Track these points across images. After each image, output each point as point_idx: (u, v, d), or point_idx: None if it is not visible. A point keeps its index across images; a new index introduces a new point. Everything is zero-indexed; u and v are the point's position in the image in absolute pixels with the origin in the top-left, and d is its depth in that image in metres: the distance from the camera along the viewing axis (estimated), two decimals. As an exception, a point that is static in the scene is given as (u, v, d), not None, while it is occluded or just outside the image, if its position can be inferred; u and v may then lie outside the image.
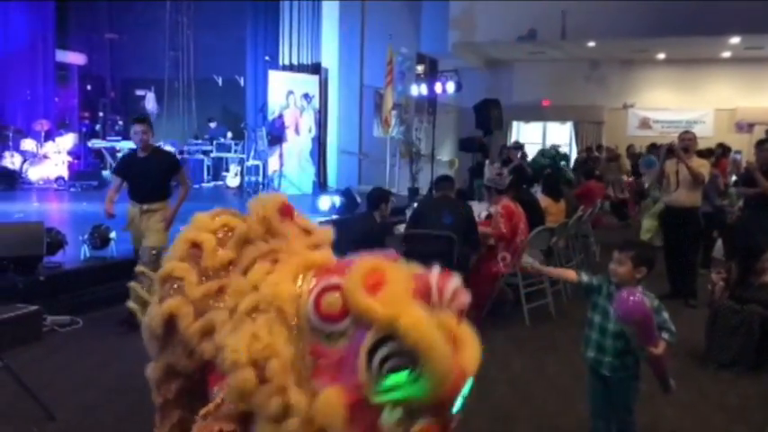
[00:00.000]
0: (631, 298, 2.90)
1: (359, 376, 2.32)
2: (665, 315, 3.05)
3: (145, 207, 5.54)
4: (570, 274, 3.46)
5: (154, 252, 5.32)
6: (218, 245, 2.83)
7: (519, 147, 14.67)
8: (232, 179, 14.04)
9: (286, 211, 2.89)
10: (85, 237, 6.34)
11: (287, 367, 2.46)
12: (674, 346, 3.10)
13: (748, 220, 6.76)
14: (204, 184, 14.34)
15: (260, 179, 12.85)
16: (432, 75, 16.53)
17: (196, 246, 2.85)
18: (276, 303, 2.54)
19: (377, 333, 2.34)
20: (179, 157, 14.14)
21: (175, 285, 2.81)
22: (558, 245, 6.90)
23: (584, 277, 3.30)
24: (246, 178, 13.26)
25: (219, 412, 2.67)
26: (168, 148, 14.07)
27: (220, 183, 14.39)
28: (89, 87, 15.94)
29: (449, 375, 2.26)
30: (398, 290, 2.41)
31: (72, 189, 12.01)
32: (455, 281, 2.45)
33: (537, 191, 8.14)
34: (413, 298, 2.39)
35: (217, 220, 2.91)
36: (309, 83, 13.93)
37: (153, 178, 5.59)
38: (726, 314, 5.04)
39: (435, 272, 2.46)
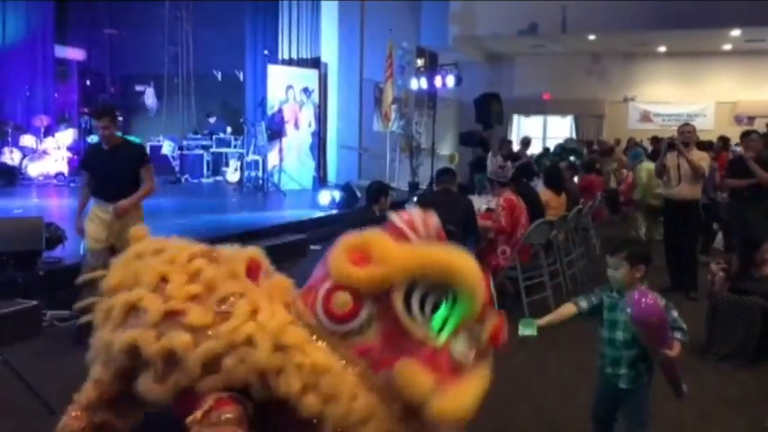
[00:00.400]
0: (644, 299, 2.78)
1: (414, 335, 2.40)
2: (675, 313, 2.93)
3: (111, 206, 5.09)
4: (569, 309, 3.19)
5: None
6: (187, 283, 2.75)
7: (527, 142, 14.64)
8: (232, 174, 14.02)
9: (253, 269, 2.85)
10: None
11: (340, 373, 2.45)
12: (686, 344, 2.95)
13: (746, 212, 6.67)
14: (204, 180, 14.34)
15: (260, 174, 12.84)
16: (432, 69, 16.50)
17: (165, 280, 2.77)
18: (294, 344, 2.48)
19: (400, 289, 2.38)
20: (178, 152, 14.19)
21: (140, 315, 2.70)
22: (558, 238, 6.89)
23: (583, 303, 3.12)
24: (246, 173, 13.25)
25: (210, 418, 2.59)
26: (168, 143, 14.14)
27: (220, 178, 14.38)
28: (88, 83, 15.90)
29: (479, 278, 2.40)
30: (385, 245, 2.46)
31: (72, 185, 11.97)
32: (416, 213, 2.55)
33: (537, 184, 8.12)
34: (400, 245, 2.46)
35: (192, 266, 2.82)
36: (309, 77, 13.90)
37: (120, 173, 5.14)
38: (726, 306, 5.03)
39: (396, 217, 2.56)
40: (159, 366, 2.58)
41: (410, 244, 2.52)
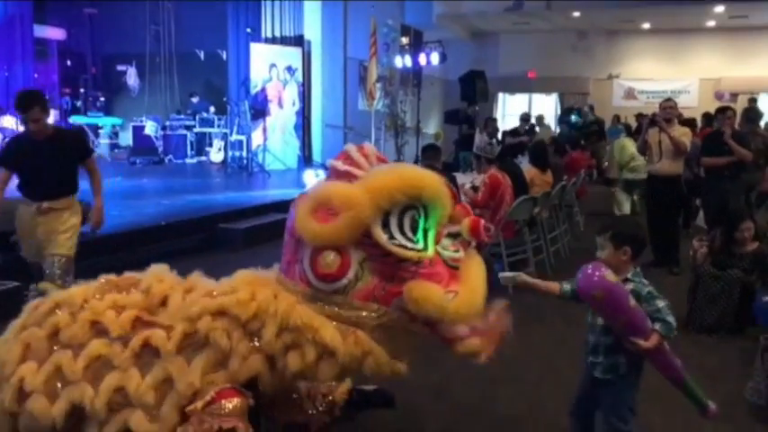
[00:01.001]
0: (595, 273, 2.64)
1: (406, 258, 2.46)
2: (660, 304, 2.71)
3: (45, 205, 4.45)
4: (554, 286, 2.99)
5: (63, 261, 4.44)
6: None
7: (526, 118, 14.65)
8: (216, 154, 13.94)
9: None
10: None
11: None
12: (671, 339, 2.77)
13: (724, 188, 6.78)
14: (188, 160, 14.25)
15: (244, 154, 12.77)
16: (416, 46, 16.39)
17: (98, 323, 2.80)
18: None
19: (376, 224, 2.45)
20: (161, 133, 14.06)
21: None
22: (542, 215, 6.91)
23: (566, 286, 2.91)
24: (230, 153, 13.17)
25: (211, 409, 2.58)
26: (151, 123, 14.00)
27: (204, 158, 14.29)
28: (69, 63, 15.69)
29: (437, 182, 2.47)
30: (342, 192, 2.49)
31: (54, 166, 11.87)
32: (350, 149, 2.63)
33: (522, 161, 8.14)
34: (356, 183, 2.49)
35: (105, 301, 2.89)
36: (292, 55, 13.78)
37: (57, 168, 4.51)
38: (707, 280, 5.10)
39: (334, 162, 2.63)
40: None
41: (361, 180, 2.53)
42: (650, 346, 2.68)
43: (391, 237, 2.45)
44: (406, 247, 2.44)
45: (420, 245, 2.46)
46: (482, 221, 2.61)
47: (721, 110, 7.20)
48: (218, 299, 2.64)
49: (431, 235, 2.48)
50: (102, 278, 3.14)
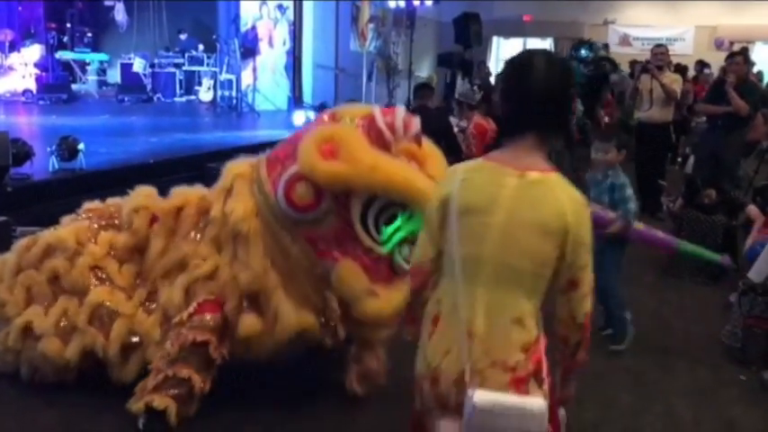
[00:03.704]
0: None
1: (362, 242, 2.58)
2: (628, 192, 3.60)
3: None
4: None
5: None
6: None
7: None
8: (205, 93, 13.75)
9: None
10: (53, 148, 6.23)
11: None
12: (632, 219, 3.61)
13: (718, 141, 6.48)
14: (177, 99, 14.05)
15: (233, 94, 12.61)
16: (410, -14, 16.07)
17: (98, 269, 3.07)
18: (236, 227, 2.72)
19: (360, 199, 2.49)
20: (150, 70, 13.83)
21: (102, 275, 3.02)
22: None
23: None
24: (220, 93, 13.00)
25: (192, 321, 2.75)
26: (139, 60, 13.77)
27: (193, 97, 14.09)
28: (54, -4, 15.30)
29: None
30: (356, 146, 2.52)
31: (41, 102, 11.70)
32: (400, 112, 2.60)
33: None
34: (371, 149, 2.50)
35: (101, 244, 3.11)
36: (283, -7, 13.50)
37: None
38: (692, 223, 5.12)
39: (377, 112, 2.59)
40: None
41: (380, 152, 2.54)
42: (615, 230, 3.53)
43: (364, 216, 2.54)
44: (368, 233, 2.55)
45: (381, 239, 2.56)
46: None
47: (731, 55, 6.87)
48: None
49: (398, 236, 2.57)
50: (84, 208, 3.28)
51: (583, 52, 14.95)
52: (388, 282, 2.62)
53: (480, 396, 1.56)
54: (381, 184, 2.48)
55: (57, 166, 6.16)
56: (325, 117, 2.82)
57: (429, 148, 2.75)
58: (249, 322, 2.74)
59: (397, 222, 2.55)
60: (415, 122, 2.68)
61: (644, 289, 4.87)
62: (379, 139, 2.58)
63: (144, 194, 3.16)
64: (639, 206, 6.82)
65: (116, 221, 3.17)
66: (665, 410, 3.25)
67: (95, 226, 3.18)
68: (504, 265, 1.64)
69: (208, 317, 2.77)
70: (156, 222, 3.05)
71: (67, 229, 3.17)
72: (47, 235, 3.20)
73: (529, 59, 1.70)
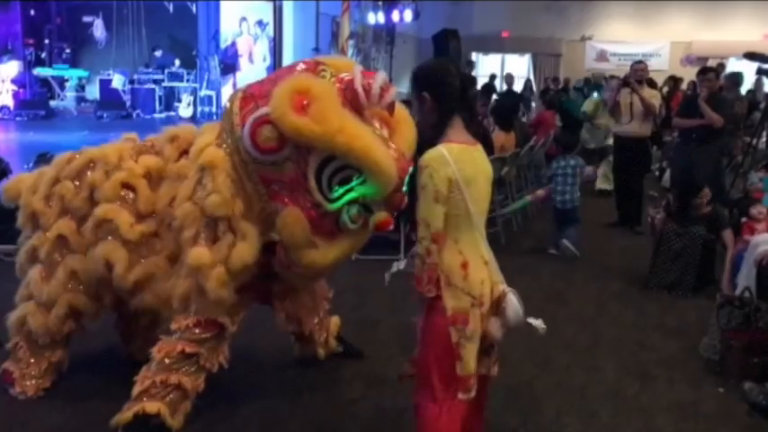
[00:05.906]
0: None
1: (313, 196, 2.64)
2: None
3: None
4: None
5: None
6: None
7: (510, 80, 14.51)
8: (185, 109, 13.72)
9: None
10: (30, 165, 6.16)
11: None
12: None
13: (692, 154, 6.63)
14: (156, 115, 14.00)
15: (213, 110, 12.60)
16: (389, 3, 16.17)
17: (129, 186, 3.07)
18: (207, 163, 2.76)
19: (319, 155, 2.53)
20: (129, 86, 13.77)
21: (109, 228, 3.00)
22: (510, 174, 6.96)
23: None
24: (200, 108, 12.98)
25: (185, 333, 2.73)
26: (118, 76, 13.72)
27: (173, 113, 14.05)
28: (33, 13, 15.21)
29: (393, 173, 2.58)
30: (328, 105, 2.56)
31: (18, 119, 11.61)
32: (379, 77, 2.64)
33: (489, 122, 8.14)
34: (343, 109, 2.52)
35: (140, 164, 3.12)
36: (263, 9, 13.52)
37: None
38: (670, 237, 5.16)
39: (358, 73, 2.61)
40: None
41: (350, 115, 2.61)
42: None
43: (319, 172, 2.60)
44: (320, 188, 2.62)
45: (333, 196, 2.62)
46: (391, 226, 2.79)
47: (702, 71, 7.05)
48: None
49: (348, 196, 2.62)
50: (124, 137, 3.39)
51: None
52: (329, 237, 2.72)
53: (512, 295, 2.38)
54: (342, 148, 2.53)
55: (34, 184, 6.09)
56: (309, 64, 2.83)
57: (401, 114, 2.84)
58: (200, 252, 2.78)
59: (352, 184, 2.61)
60: (392, 91, 2.71)
61: (623, 303, 4.91)
62: (353, 101, 2.62)
63: (185, 129, 3.24)
64: (618, 220, 6.97)
65: (156, 149, 3.23)
66: (644, 425, 3.26)
67: (138, 148, 3.24)
68: (484, 211, 2.37)
69: (200, 332, 2.80)
70: (184, 156, 3.07)
71: (112, 147, 3.24)
72: (91, 149, 3.25)
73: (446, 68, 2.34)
